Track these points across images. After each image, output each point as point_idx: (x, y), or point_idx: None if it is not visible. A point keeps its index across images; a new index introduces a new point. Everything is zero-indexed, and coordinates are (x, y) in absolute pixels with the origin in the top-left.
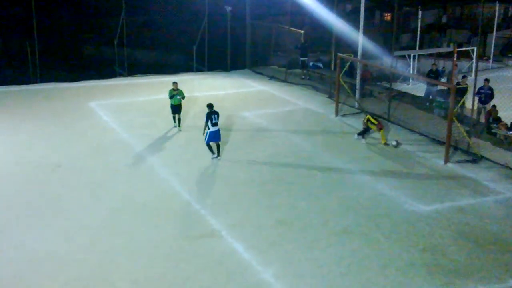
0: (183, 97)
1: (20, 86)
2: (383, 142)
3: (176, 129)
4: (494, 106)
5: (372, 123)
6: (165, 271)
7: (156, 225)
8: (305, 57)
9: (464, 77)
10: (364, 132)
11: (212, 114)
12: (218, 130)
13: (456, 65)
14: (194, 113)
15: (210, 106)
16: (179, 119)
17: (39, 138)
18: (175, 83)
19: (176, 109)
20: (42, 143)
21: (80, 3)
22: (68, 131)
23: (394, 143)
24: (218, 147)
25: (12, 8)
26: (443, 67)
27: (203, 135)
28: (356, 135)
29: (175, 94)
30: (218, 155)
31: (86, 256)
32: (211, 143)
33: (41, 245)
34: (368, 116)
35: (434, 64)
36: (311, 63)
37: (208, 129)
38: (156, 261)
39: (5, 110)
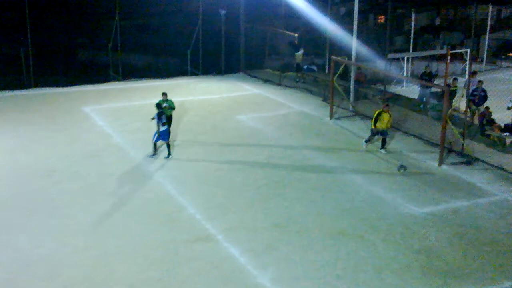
0: (174, 108)
1: (14, 91)
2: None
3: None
4: (487, 107)
5: (379, 113)
6: (161, 274)
7: (151, 229)
8: (298, 52)
9: (454, 79)
10: (373, 137)
11: (162, 114)
12: (166, 130)
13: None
14: (188, 118)
15: (159, 105)
16: (169, 132)
17: (33, 143)
18: (164, 94)
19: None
20: (36, 147)
21: (74, 7)
22: (62, 135)
23: (399, 166)
24: (168, 146)
25: (5, 12)
26: (436, 70)
27: (155, 134)
28: (364, 143)
29: (166, 107)
30: (170, 154)
31: (82, 259)
32: (158, 142)
33: (36, 249)
34: (375, 112)
35: (427, 66)
36: (305, 66)
37: (159, 128)
38: (152, 265)
39: (0, 115)
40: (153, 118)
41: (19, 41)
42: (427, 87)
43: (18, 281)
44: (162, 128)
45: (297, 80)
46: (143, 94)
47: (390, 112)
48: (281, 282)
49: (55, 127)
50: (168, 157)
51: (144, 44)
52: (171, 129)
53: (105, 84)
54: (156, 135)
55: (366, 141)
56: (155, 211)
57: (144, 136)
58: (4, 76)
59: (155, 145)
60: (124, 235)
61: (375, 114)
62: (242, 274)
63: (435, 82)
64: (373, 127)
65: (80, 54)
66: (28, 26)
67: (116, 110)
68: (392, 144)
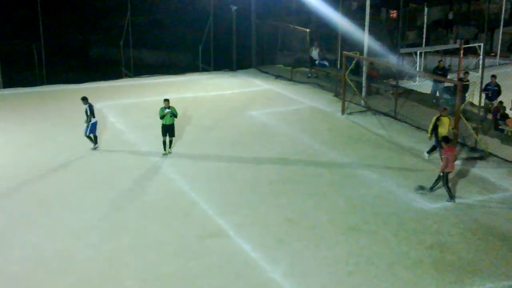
0: (176, 116)
1: (27, 88)
2: (451, 128)
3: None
4: (501, 102)
5: (438, 118)
6: (174, 270)
7: (163, 225)
8: (313, 51)
9: (466, 73)
10: (434, 149)
11: (92, 106)
12: (96, 122)
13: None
14: (200, 114)
15: (86, 99)
16: (171, 141)
17: (46, 139)
18: (166, 100)
19: (168, 130)
20: (49, 143)
21: (86, 4)
22: (74, 131)
23: (417, 187)
24: (96, 137)
25: (18, 9)
26: (449, 65)
27: (87, 127)
28: (426, 153)
29: (167, 113)
30: (97, 144)
31: (95, 255)
32: (91, 135)
33: (50, 244)
34: (433, 118)
35: (440, 61)
36: (317, 61)
37: (90, 121)
38: (165, 260)
39: (13, 112)
40: (94, 149)
41: (32, 38)
42: (440, 81)
43: (32, 276)
44: (93, 120)
45: (309, 75)
46: (155, 90)
47: (449, 116)
48: (293, 277)
49: (67, 123)
50: (96, 147)
51: (155, 40)
52: (174, 139)
53: (117, 80)
54: (91, 127)
55: (428, 152)
56: (167, 207)
57: (156, 132)
58: (17, 73)
59: (90, 137)
60: (137, 230)
61: (434, 120)
62: (254, 269)
63: (448, 76)
64: (430, 135)
65: (92, 50)
66: (41, 23)
67: (128, 106)
68: (404, 140)
